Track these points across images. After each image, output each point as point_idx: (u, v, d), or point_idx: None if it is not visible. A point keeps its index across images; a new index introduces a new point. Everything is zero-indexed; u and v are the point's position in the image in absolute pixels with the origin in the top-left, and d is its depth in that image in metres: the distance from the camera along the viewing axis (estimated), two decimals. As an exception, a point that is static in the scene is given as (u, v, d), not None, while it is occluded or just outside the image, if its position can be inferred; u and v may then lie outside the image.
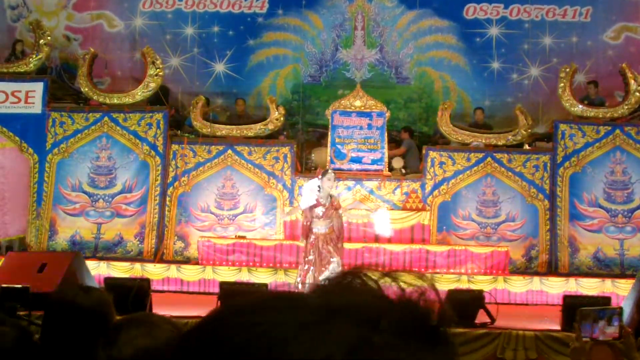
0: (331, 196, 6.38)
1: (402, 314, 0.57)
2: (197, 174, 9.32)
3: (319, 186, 6.22)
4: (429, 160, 9.31)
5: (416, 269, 7.77)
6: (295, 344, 0.52)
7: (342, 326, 0.54)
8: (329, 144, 9.39)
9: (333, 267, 6.18)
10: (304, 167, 9.76)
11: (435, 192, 9.21)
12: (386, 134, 9.38)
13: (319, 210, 6.19)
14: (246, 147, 9.37)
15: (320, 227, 6.18)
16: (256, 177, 9.33)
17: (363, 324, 0.55)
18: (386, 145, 9.39)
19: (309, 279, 6.03)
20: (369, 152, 9.42)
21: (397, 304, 0.58)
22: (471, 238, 9.05)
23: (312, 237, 6.20)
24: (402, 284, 0.60)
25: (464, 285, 7.64)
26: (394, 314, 0.56)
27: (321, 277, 5.97)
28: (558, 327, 5.75)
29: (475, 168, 9.27)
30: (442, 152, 9.35)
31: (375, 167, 9.37)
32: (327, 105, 9.75)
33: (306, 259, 6.30)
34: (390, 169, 9.46)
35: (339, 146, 9.42)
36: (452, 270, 8.23)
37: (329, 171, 6.40)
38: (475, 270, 8.30)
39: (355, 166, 9.38)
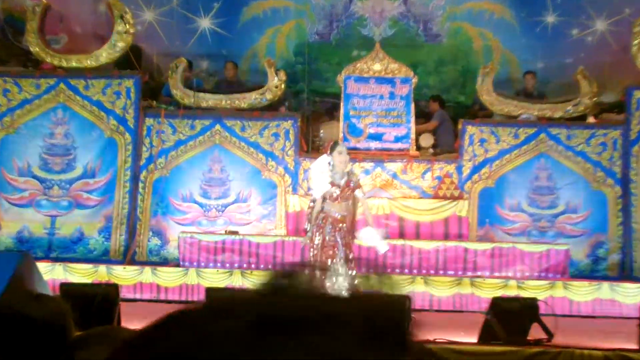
0: (349, 173, 6.23)
1: (360, 318, 0.62)
2: (177, 154, 9.22)
3: (329, 163, 6.08)
4: (467, 137, 9.16)
5: (452, 272, 7.88)
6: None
7: (275, 337, 0.60)
8: (341, 118, 9.25)
9: (342, 275, 5.95)
10: (310, 146, 9.60)
11: (475, 177, 9.08)
12: (413, 105, 9.21)
13: (334, 191, 6.06)
14: (238, 122, 9.23)
15: (333, 209, 6.07)
16: (251, 158, 9.23)
17: (295, 333, 0.60)
18: (413, 119, 9.21)
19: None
20: (392, 128, 9.27)
21: (353, 308, 0.63)
22: (521, 233, 8.90)
23: (322, 216, 6.08)
24: (359, 285, 0.60)
25: (512, 292, 7.46)
26: (350, 318, 0.62)
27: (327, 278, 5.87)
28: (635, 346, 5.41)
29: (525, 146, 9.12)
30: (483, 127, 9.19)
31: (399, 145, 9.22)
32: (339, 70, 9.58)
33: (312, 243, 6.16)
34: (418, 147, 9.33)
35: (354, 120, 9.27)
36: (497, 274, 8.06)
37: (339, 143, 6.28)
38: (526, 273, 8.12)
39: (374, 144, 9.24)
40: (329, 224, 6.04)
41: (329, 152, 6.16)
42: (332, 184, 6.03)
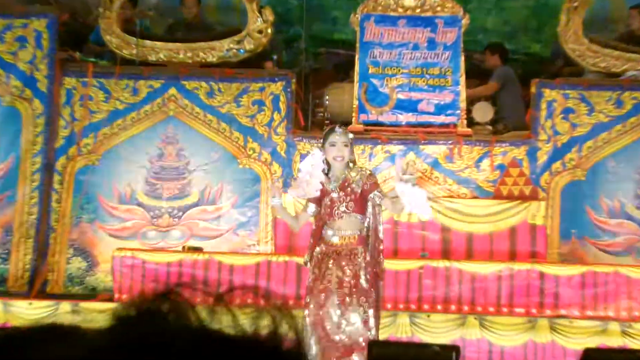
0: (350, 168, 5.96)
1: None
2: (111, 132, 9.10)
3: (324, 161, 5.91)
4: (544, 105, 9.00)
5: (521, 310, 7.77)
6: None
7: None
8: (356, 78, 9.05)
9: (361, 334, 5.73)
10: (310, 121, 9.40)
11: (556, 165, 8.91)
12: (462, 59, 9.07)
13: (327, 202, 5.92)
14: (203, 84, 9.13)
15: (332, 233, 5.91)
16: (222, 138, 9.08)
17: None
18: (462, 80, 9.01)
19: (308, 333, 5.83)
20: (431, 92, 9.08)
21: (224, 344, 0.76)
22: (626, 251, 8.69)
23: (317, 250, 5.96)
24: (238, 317, 0.77)
25: (614, 340, 7.27)
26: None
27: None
28: None
29: (633, 119, 8.92)
30: (568, 91, 9.01)
31: (442, 118, 9.06)
32: (353, 6, 9.43)
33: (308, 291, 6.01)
34: (471, 122, 9.14)
35: (374, 81, 9.08)
36: (590, 313, 7.79)
37: (335, 130, 6.00)
38: (635, 312, 7.81)
39: (405, 117, 9.05)
40: (331, 263, 5.86)
41: (321, 142, 6.03)
42: (322, 192, 5.87)
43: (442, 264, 8.11)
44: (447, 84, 9.13)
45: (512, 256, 8.50)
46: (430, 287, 7.96)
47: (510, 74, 9.59)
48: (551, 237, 8.73)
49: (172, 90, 9.15)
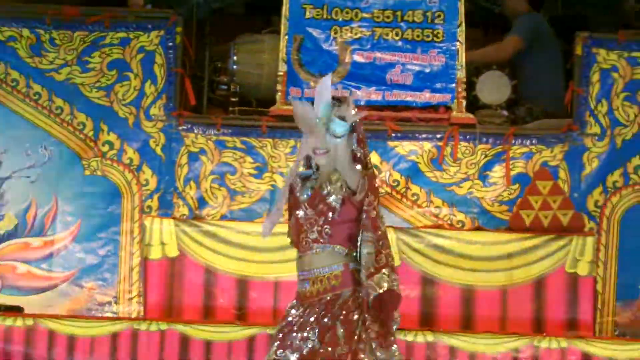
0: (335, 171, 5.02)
1: None
2: None
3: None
4: (596, 76, 8.15)
5: None
6: None
7: None
8: (283, 25, 8.26)
9: None
10: (206, 98, 8.65)
11: (615, 177, 8.06)
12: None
13: (293, 221, 5.01)
14: (25, 31, 8.23)
15: (299, 267, 4.94)
16: (56, 124, 8.17)
17: None
18: (462, 32, 8.15)
19: None
20: (410, 52, 8.21)
21: None
22: None
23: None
24: None
25: None
26: None
27: None
28: None
29: None
30: (638, 54, 8.16)
31: (426, 96, 8.25)
32: None
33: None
34: (475, 104, 8.30)
35: (314, 32, 8.25)
36: None
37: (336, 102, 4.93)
38: None
39: (365, 94, 8.25)
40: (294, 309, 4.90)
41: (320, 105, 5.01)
42: (294, 198, 4.95)
43: (421, 337, 7.16)
44: (437, 38, 8.15)
45: (538, 326, 7.50)
46: (404, 369, 7.03)
47: (541, 24, 8.54)
48: (604, 297, 7.81)
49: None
